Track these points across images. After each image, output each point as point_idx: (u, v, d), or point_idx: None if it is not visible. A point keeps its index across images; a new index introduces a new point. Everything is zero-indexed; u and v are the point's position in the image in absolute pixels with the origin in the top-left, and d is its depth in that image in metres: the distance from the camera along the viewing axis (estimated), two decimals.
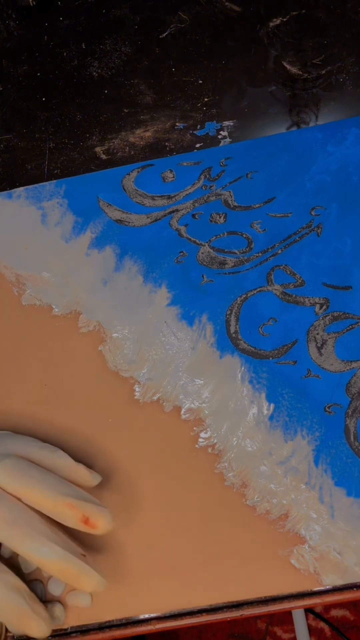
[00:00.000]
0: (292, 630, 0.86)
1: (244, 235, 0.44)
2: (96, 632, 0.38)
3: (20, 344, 0.43)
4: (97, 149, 0.47)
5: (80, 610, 0.38)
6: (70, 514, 0.35)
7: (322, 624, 0.86)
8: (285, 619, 0.87)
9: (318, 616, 0.74)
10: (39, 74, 0.49)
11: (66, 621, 0.38)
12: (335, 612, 0.86)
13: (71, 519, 0.35)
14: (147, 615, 0.38)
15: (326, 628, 0.85)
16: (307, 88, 0.46)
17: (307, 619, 0.86)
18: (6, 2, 0.49)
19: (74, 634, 0.38)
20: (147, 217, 0.45)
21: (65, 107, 0.48)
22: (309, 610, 0.82)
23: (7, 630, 0.39)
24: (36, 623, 0.34)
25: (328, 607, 0.86)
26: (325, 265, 0.42)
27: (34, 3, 0.49)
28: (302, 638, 0.82)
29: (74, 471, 0.38)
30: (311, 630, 0.86)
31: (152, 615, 0.38)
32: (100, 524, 0.35)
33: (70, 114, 0.48)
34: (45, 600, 0.39)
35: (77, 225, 0.45)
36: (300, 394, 0.40)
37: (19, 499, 0.36)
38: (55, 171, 0.47)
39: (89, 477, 0.38)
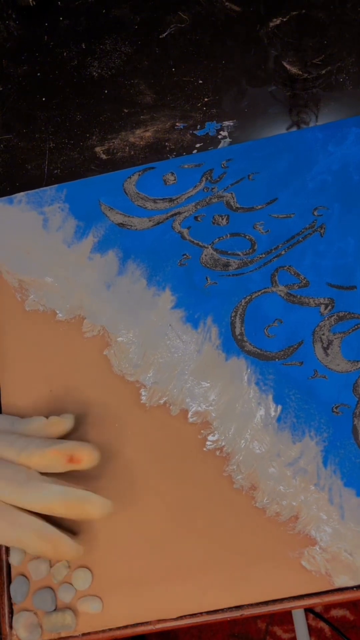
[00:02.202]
0: (292, 630, 0.86)
1: (247, 237, 0.44)
2: (96, 632, 0.38)
3: (25, 350, 0.43)
4: (97, 149, 0.47)
5: (91, 616, 0.38)
6: (56, 459, 0.36)
7: (322, 624, 0.86)
8: (285, 618, 0.87)
9: (318, 616, 0.74)
10: (39, 74, 0.48)
11: (77, 628, 0.38)
12: (335, 612, 0.86)
13: (59, 464, 0.36)
14: None
15: (326, 628, 0.85)
16: (307, 88, 0.46)
17: (307, 618, 0.86)
18: (6, 2, 0.49)
19: (74, 634, 0.38)
20: (150, 220, 0.45)
21: (65, 107, 0.48)
22: (309, 610, 0.82)
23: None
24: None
25: (328, 607, 0.87)
26: (329, 266, 0.42)
27: (34, 3, 0.48)
28: (302, 638, 0.82)
29: (48, 426, 0.39)
30: (311, 630, 0.86)
31: None
32: (84, 457, 0.36)
33: (70, 114, 0.48)
34: (56, 607, 0.38)
35: (79, 230, 0.45)
36: (307, 394, 0.40)
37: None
38: (55, 171, 0.47)
39: (63, 425, 0.39)
